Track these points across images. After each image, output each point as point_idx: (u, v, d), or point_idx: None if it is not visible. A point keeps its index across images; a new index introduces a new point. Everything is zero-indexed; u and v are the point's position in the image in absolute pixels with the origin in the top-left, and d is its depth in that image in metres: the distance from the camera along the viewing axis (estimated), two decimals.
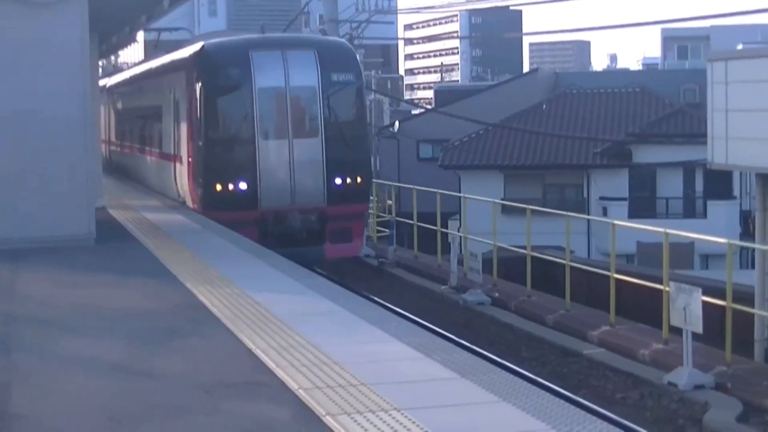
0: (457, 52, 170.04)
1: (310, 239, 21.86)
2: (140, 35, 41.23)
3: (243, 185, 21.70)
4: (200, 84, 22.15)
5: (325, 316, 11.46)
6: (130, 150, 32.60)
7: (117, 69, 46.68)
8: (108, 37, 30.46)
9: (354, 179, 22.27)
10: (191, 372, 9.20)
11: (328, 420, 7.61)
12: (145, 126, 29.37)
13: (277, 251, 16.77)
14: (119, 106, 35.85)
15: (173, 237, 18.32)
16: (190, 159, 22.77)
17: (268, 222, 21.70)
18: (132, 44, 41.69)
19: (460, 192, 37.84)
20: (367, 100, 24.40)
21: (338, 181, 22.03)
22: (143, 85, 30.40)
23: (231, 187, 21.70)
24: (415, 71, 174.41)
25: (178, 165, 24.18)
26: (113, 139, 37.33)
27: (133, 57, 52.11)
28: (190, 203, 23.26)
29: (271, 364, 9.22)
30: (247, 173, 21.69)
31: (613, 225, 18.01)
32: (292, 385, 8.54)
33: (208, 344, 10.25)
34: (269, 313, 11.48)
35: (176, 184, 24.46)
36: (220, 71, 22.13)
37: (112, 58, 52.49)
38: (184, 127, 23.33)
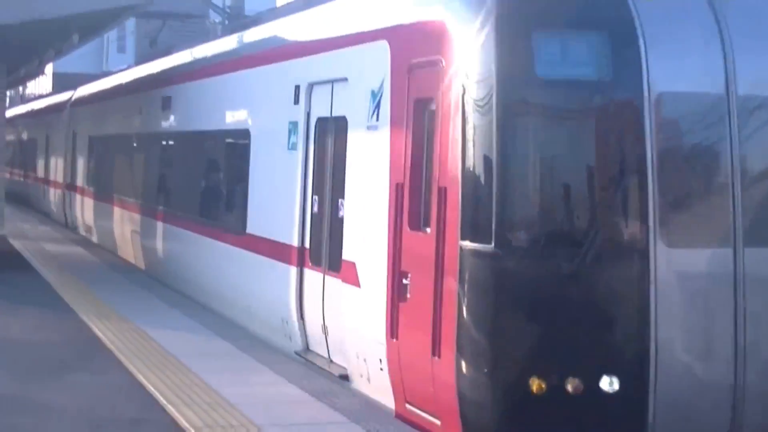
0: None
1: None
2: (48, 68, 40.70)
3: (609, 383, 8.11)
4: (478, 83, 8.45)
5: (222, 356, 11.38)
6: (144, 214, 19.33)
7: (25, 99, 45.84)
8: (16, 69, 30.08)
9: None
10: (81, 407, 9.05)
11: None
12: (192, 172, 16.71)
13: None
14: (114, 129, 23.13)
15: (72, 269, 18.06)
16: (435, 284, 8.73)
17: None
18: (40, 77, 41.31)
19: None
20: None
21: None
22: (184, 92, 17.49)
23: (573, 385, 8.04)
24: None
25: (331, 282, 10.91)
26: (91, 188, 24.96)
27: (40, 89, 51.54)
28: (389, 401, 9.61)
29: (164, 401, 9.13)
30: (622, 348, 8.31)
31: None
32: (184, 424, 8.45)
33: (100, 379, 10.11)
34: (165, 351, 11.37)
35: (301, 322, 11.68)
36: (543, 47, 8.37)
37: (20, 89, 51.86)
38: (378, 192, 9.75)
